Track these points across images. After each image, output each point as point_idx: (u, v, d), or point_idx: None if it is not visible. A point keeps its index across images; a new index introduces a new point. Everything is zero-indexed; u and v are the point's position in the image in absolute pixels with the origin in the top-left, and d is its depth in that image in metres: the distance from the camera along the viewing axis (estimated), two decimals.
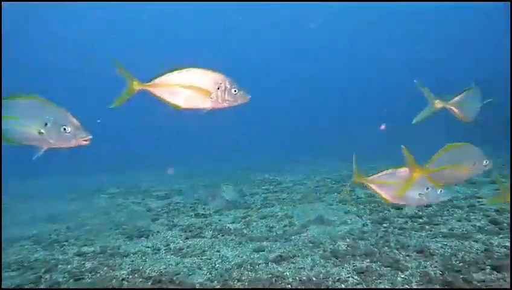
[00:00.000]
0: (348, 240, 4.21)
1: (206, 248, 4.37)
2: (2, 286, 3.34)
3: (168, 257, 4.16)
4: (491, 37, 28.98)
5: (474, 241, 3.70)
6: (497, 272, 2.99)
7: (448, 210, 4.93)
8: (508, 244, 3.51)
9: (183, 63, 2.23)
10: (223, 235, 4.84)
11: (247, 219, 5.56)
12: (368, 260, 3.53)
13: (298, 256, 3.83)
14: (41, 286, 3.49)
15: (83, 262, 4.09)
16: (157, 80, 2.19)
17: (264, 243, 4.36)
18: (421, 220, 4.62)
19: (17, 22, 27.18)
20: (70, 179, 13.55)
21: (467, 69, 27.49)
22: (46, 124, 2.03)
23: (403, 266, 3.30)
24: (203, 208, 6.67)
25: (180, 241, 4.73)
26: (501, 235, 3.76)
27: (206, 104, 2.20)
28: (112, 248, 4.58)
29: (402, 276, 3.14)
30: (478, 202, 5.21)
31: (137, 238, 4.97)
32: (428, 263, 3.34)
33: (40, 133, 2.03)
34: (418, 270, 3.20)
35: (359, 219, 5.06)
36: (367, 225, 4.74)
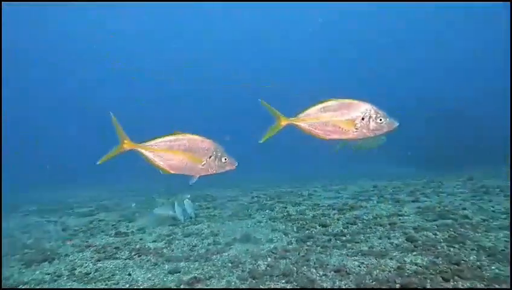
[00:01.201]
0: (269, 259, 4.03)
1: (117, 271, 3.95)
2: (2, 286, 3.17)
3: (69, 284, 3.67)
4: (491, 37, 29.26)
5: (389, 258, 3.71)
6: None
7: (371, 228, 4.99)
8: (420, 261, 3.56)
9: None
10: (139, 256, 4.44)
11: (171, 237, 5.18)
12: (284, 281, 3.37)
13: (214, 277, 3.57)
14: None
15: None
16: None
17: (182, 263, 4.04)
18: (344, 238, 4.60)
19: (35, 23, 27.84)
20: None
21: (467, 69, 28.92)
22: (210, 157, 2.31)
23: (317, 286, 3.18)
24: (127, 226, 6.17)
25: (90, 265, 4.25)
26: (414, 253, 3.82)
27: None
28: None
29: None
30: (399, 219, 5.35)
31: (37, 264, 4.37)
32: (343, 282, 3.25)
33: (203, 164, 2.31)
34: None
35: (285, 236, 4.93)
36: (292, 243, 4.62)
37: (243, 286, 3.33)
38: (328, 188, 10.35)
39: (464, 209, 5.72)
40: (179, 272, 3.75)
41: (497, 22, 24.74)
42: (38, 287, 3.35)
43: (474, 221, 4.91)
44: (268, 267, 3.76)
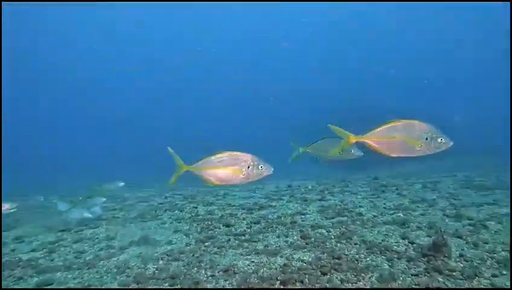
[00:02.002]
0: (160, 262, 3.85)
1: None
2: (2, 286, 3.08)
3: None
4: (491, 37, 29.58)
5: (280, 256, 3.78)
6: (283, 285, 3.03)
7: (272, 227, 5.08)
8: (306, 258, 3.68)
9: None
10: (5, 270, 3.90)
11: (55, 245, 4.70)
12: (167, 284, 3.22)
13: (93, 285, 3.28)
14: None
15: None
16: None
17: (59, 274, 3.66)
18: (243, 238, 4.60)
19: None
20: None
21: (466, 69, 29.81)
22: (248, 167, 2.67)
23: (202, 288, 3.09)
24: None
25: None
26: (304, 250, 3.95)
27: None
28: None
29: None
30: (301, 218, 5.55)
31: None
32: (227, 281, 3.21)
33: (243, 174, 2.67)
34: None
35: (186, 237, 4.79)
36: (190, 244, 4.49)
37: None
38: (246, 187, 10.43)
39: (361, 206, 6.14)
40: (51, 284, 3.37)
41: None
42: (38, 287, 3.18)
43: (366, 217, 5.28)
44: (156, 271, 3.58)
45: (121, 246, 4.52)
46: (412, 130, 2.40)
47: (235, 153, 2.67)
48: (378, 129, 2.50)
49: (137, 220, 5.98)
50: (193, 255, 4.00)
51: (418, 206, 5.87)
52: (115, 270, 3.65)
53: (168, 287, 3.17)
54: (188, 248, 4.34)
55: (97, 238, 4.92)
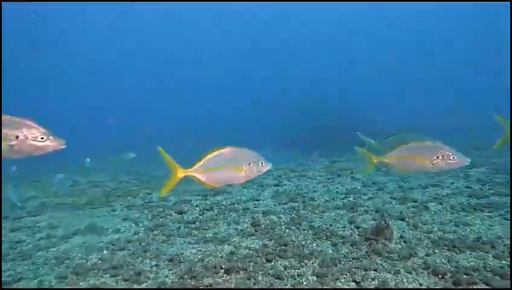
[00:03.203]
0: (105, 251, 3.71)
1: None
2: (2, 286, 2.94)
3: None
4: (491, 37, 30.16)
5: (228, 244, 3.77)
6: (227, 274, 3.02)
7: (224, 214, 5.05)
8: (253, 245, 3.69)
9: None
10: None
11: None
12: (108, 275, 3.11)
13: (26, 278, 3.09)
14: None
15: None
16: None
17: None
18: (194, 225, 4.54)
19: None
20: None
21: (464, 69, 29.82)
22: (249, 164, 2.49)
23: (144, 278, 3.01)
24: None
25: None
26: (253, 237, 3.96)
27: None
28: None
29: (137, 288, 2.84)
30: (255, 204, 5.56)
31: None
32: (171, 271, 3.15)
33: (245, 172, 2.49)
34: (157, 281, 2.97)
35: (135, 226, 4.64)
36: (139, 232, 4.36)
37: (58, 286, 2.96)
38: None
39: (315, 191, 6.26)
40: None
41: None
42: (38, 287, 2.94)
43: (317, 203, 5.38)
44: (99, 261, 3.45)
45: (64, 235, 4.30)
46: (426, 150, 2.71)
47: (235, 149, 2.46)
48: (397, 149, 2.83)
49: (86, 207, 5.72)
50: (140, 243, 3.89)
51: (368, 190, 6.07)
52: (54, 261, 3.46)
53: (108, 281, 3.05)
54: (136, 236, 4.21)
55: (37, 227, 4.66)
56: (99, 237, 4.20)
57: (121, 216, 5.15)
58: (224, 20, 35.49)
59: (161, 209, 5.41)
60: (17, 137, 1.99)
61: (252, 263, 3.17)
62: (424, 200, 5.08)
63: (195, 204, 5.73)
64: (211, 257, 3.40)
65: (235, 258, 3.31)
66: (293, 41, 36.37)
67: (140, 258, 3.46)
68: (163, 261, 3.36)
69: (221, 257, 3.41)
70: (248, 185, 7.26)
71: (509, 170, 6.93)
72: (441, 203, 4.83)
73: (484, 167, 7.62)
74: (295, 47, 36.30)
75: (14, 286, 2.99)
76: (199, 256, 3.46)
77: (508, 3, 21.46)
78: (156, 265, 3.29)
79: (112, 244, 3.93)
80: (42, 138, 2.05)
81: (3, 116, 1.98)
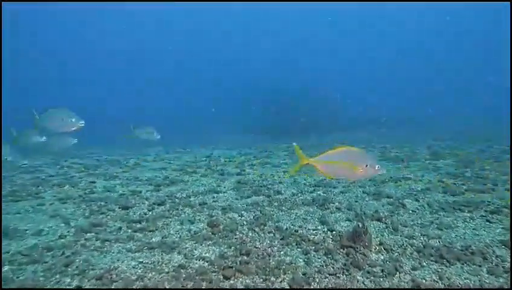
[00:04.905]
0: (6, 267, 2.85)
1: None
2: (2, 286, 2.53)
3: None
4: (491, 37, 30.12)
5: (178, 253, 3.07)
6: None
7: (178, 209, 4.32)
8: (209, 254, 3.02)
9: None
10: None
11: None
12: None
13: None
14: None
15: None
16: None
17: None
18: (139, 225, 3.78)
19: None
20: None
21: (464, 69, 29.74)
22: (366, 166, 2.72)
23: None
24: None
25: None
26: (209, 242, 3.28)
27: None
28: None
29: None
30: (214, 197, 4.88)
31: None
32: None
33: (360, 171, 2.72)
34: None
35: (64, 225, 3.79)
36: (67, 235, 3.53)
37: None
38: (161, 156, 9.46)
39: (280, 183, 5.69)
40: None
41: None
42: (38, 287, 2.51)
43: (284, 197, 4.81)
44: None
45: None
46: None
47: (354, 149, 2.69)
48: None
49: (7, 199, 4.74)
50: (63, 253, 3.07)
51: (339, 182, 5.60)
52: None
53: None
54: (62, 241, 3.38)
55: None
56: (9, 244, 3.31)
57: (48, 212, 4.25)
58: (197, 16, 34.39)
59: (103, 203, 4.58)
60: None
61: (204, 282, 2.51)
62: (399, 196, 4.66)
63: (145, 196, 4.95)
64: (153, 273, 2.69)
65: (184, 275, 2.63)
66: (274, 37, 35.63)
67: (57, 276, 2.66)
68: (89, 281, 2.59)
69: (167, 272, 2.70)
70: (208, 173, 6.57)
71: (473, 163, 6.78)
72: (417, 200, 4.43)
73: (450, 159, 7.46)
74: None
75: None
76: (139, 271, 2.73)
77: (508, 3, 21.86)
78: (77, 286, 2.52)
79: (22, 254, 3.06)
80: None
81: None
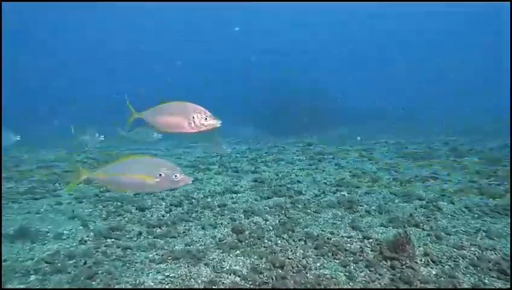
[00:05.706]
0: (32, 277, 2.66)
1: None
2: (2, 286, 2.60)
3: None
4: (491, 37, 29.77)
5: (205, 264, 2.85)
6: None
7: (197, 212, 4.11)
8: (239, 267, 2.80)
9: None
10: None
11: None
12: None
13: None
14: None
15: None
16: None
17: None
18: (159, 231, 3.57)
19: None
20: None
21: (464, 69, 29.45)
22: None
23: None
24: None
25: None
26: (237, 252, 3.07)
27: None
28: None
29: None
30: (232, 198, 4.66)
31: None
32: None
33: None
34: None
35: (83, 229, 3.59)
36: (87, 240, 3.32)
37: None
38: (170, 152, 9.23)
39: (299, 181, 5.46)
40: None
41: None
42: (38, 288, 2.48)
43: (306, 197, 4.59)
44: None
45: None
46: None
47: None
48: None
49: (21, 199, 4.54)
50: (85, 262, 2.87)
51: (360, 181, 5.37)
52: None
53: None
54: (83, 247, 3.18)
55: None
56: (30, 249, 3.12)
57: (66, 212, 4.06)
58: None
59: (119, 204, 4.37)
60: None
61: None
62: (431, 197, 4.42)
63: (160, 196, 4.73)
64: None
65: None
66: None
67: None
68: None
69: (198, 288, 2.49)
70: (221, 171, 6.34)
71: (500, 160, 6.51)
72: (453, 203, 4.19)
73: (473, 156, 7.19)
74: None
75: None
76: (166, 287, 2.52)
77: (508, 3, 21.31)
78: None
79: (46, 262, 2.88)
80: (206, 119, 2.44)
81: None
